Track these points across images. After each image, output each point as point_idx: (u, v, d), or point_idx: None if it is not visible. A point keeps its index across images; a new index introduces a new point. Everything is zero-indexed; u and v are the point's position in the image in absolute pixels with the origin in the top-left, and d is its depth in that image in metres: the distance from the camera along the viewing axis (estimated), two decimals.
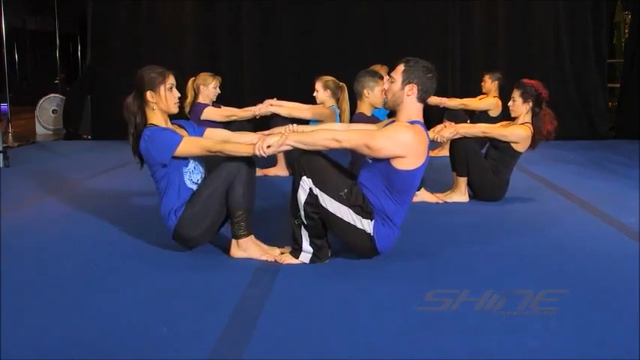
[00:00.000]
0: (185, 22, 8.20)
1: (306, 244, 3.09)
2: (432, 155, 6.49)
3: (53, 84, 13.03)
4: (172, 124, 3.26)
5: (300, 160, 3.03)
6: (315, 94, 5.39)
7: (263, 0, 8.19)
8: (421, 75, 2.97)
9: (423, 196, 4.54)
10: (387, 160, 2.94)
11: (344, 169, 3.21)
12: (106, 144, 7.70)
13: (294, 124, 3.28)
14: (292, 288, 2.85)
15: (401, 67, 3.01)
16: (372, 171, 3.01)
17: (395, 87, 3.00)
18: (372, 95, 4.39)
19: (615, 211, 4.18)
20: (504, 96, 6.40)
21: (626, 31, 10.73)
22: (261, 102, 5.35)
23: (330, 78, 5.41)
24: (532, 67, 7.64)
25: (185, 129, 3.28)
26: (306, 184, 2.99)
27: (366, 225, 2.98)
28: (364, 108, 4.42)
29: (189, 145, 3.09)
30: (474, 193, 4.59)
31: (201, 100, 5.32)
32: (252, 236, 3.22)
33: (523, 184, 5.07)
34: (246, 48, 8.15)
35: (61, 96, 8.97)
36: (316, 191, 2.97)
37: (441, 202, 4.55)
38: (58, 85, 12.27)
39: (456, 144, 4.56)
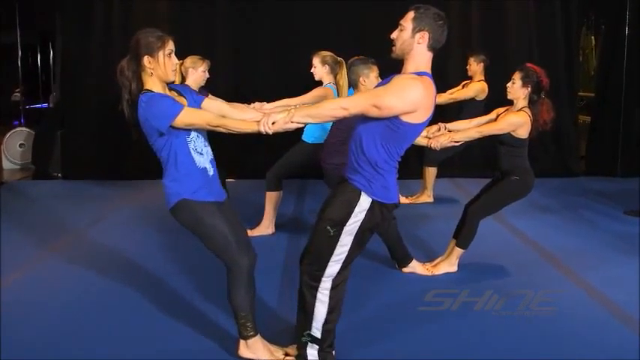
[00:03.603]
0: None
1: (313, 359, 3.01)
2: (410, 202, 6.60)
3: (13, 100, 12.69)
4: (170, 89, 3.07)
5: (302, 274, 2.96)
6: (312, 69, 5.25)
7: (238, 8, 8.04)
8: (432, 22, 2.81)
9: (414, 266, 4.53)
10: None
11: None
12: (78, 185, 7.51)
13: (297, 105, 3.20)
14: None
15: (411, 14, 2.84)
16: (375, 120, 2.83)
17: (405, 34, 2.83)
18: (369, 82, 4.31)
19: (605, 285, 4.23)
20: (489, 78, 6.53)
21: (586, 52, 10.99)
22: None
23: (327, 53, 5.25)
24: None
25: (184, 96, 3.10)
26: (324, 294, 2.90)
27: (363, 203, 2.86)
28: None
29: (189, 115, 2.89)
30: None
31: (188, 83, 5.09)
32: (259, 335, 3.17)
33: (506, 246, 5.14)
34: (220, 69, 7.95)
35: (28, 130, 8.74)
36: (334, 267, 2.88)
37: (429, 274, 4.49)
38: (19, 99, 11.95)
39: (468, 216, 4.45)
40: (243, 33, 8.07)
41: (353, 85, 4.41)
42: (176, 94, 3.07)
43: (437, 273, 4.50)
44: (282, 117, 2.73)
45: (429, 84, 2.83)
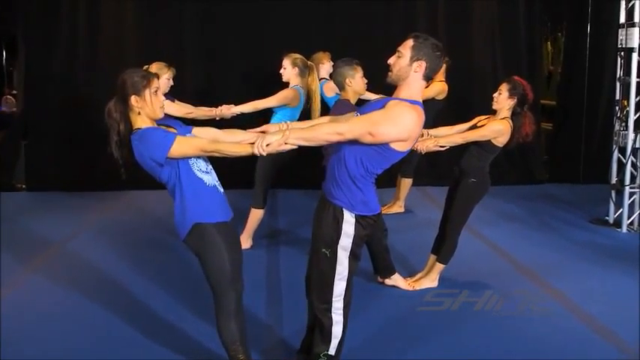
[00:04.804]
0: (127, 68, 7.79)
1: None
2: (382, 213, 6.60)
3: None
4: (159, 124, 3.03)
5: (312, 302, 3.00)
6: (281, 70, 5.26)
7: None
8: (430, 52, 2.87)
9: (396, 279, 4.60)
10: None
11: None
12: (45, 197, 7.35)
13: (287, 121, 3.18)
14: None
15: (410, 42, 2.89)
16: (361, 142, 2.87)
17: (402, 62, 2.88)
18: (355, 83, 4.35)
19: (587, 302, 4.26)
20: (450, 80, 6.59)
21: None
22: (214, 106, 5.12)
23: (298, 56, 5.28)
24: (471, 111, 7.71)
25: (174, 128, 3.06)
26: (338, 314, 2.96)
27: (348, 219, 2.92)
28: (349, 97, 4.37)
29: (183, 144, 2.89)
30: None
31: None
32: None
33: (480, 257, 5.21)
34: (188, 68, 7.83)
35: None
36: (340, 286, 2.94)
37: (410, 289, 4.56)
38: None
39: (447, 233, 4.52)
40: (210, 35, 8.00)
41: (339, 86, 4.44)
42: (165, 127, 3.05)
43: (418, 288, 4.57)
44: (277, 139, 2.74)
45: (421, 114, 2.89)
